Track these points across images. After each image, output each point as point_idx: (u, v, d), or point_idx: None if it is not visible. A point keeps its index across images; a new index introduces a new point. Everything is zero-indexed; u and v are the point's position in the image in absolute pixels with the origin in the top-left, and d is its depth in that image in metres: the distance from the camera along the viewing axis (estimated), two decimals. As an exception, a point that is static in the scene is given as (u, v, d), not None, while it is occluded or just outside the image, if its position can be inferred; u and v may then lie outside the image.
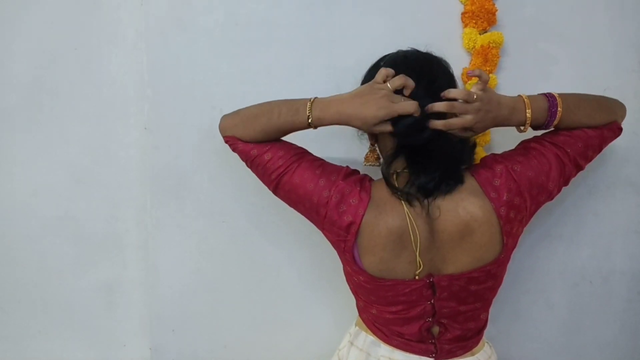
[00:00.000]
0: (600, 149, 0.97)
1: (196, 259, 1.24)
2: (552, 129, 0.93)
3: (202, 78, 1.18)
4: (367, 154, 0.95)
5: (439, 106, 0.85)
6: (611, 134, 0.97)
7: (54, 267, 1.28)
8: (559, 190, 0.95)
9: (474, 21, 1.15)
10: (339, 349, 1.05)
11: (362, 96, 0.85)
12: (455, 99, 0.85)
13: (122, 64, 1.22)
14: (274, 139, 0.94)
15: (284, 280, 1.25)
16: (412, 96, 0.85)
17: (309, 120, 0.88)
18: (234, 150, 0.97)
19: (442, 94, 0.86)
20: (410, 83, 0.84)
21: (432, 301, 0.90)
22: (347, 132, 1.04)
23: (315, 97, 0.90)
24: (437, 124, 0.85)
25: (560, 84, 1.19)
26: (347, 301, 1.03)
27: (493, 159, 0.93)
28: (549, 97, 0.90)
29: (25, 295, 1.30)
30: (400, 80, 0.84)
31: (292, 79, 1.18)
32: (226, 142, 0.98)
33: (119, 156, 1.25)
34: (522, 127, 0.91)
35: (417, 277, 0.89)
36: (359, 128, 0.88)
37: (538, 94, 0.91)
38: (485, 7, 1.14)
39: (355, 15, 1.17)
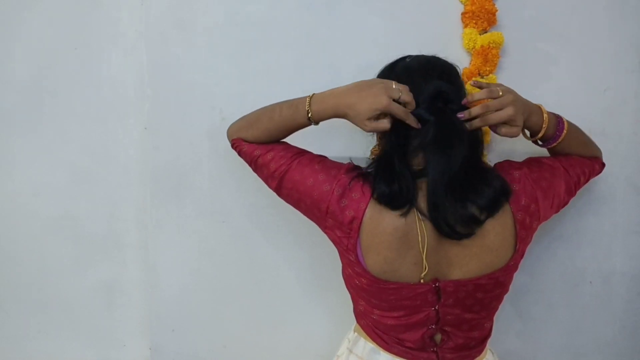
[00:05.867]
0: (587, 180, 1.01)
1: (196, 259, 1.24)
2: (553, 146, 0.94)
3: (202, 78, 1.18)
4: (374, 148, 0.94)
5: (475, 110, 0.83)
6: (598, 168, 1.03)
7: (54, 267, 1.28)
8: (557, 210, 0.97)
9: (474, 21, 1.15)
10: (337, 355, 1.02)
11: (361, 89, 0.84)
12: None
13: (122, 63, 1.22)
14: (276, 139, 0.95)
15: (284, 280, 1.25)
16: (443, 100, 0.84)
17: (309, 115, 0.89)
18: (239, 153, 0.99)
19: (463, 102, 0.85)
20: (413, 103, 0.84)
21: (437, 307, 0.87)
22: (347, 129, 1.04)
23: (314, 93, 0.90)
24: (475, 123, 0.84)
25: (560, 84, 1.19)
26: (346, 302, 1.03)
27: (509, 165, 0.92)
28: (556, 115, 0.94)
29: (25, 295, 1.30)
30: (408, 97, 0.83)
31: (292, 79, 1.18)
32: (233, 146, 1.00)
33: (119, 156, 1.25)
34: (538, 133, 0.91)
35: (422, 281, 0.86)
36: (354, 122, 0.86)
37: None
38: (485, 7, 1.14)
39: (355, 15, 1.17)
